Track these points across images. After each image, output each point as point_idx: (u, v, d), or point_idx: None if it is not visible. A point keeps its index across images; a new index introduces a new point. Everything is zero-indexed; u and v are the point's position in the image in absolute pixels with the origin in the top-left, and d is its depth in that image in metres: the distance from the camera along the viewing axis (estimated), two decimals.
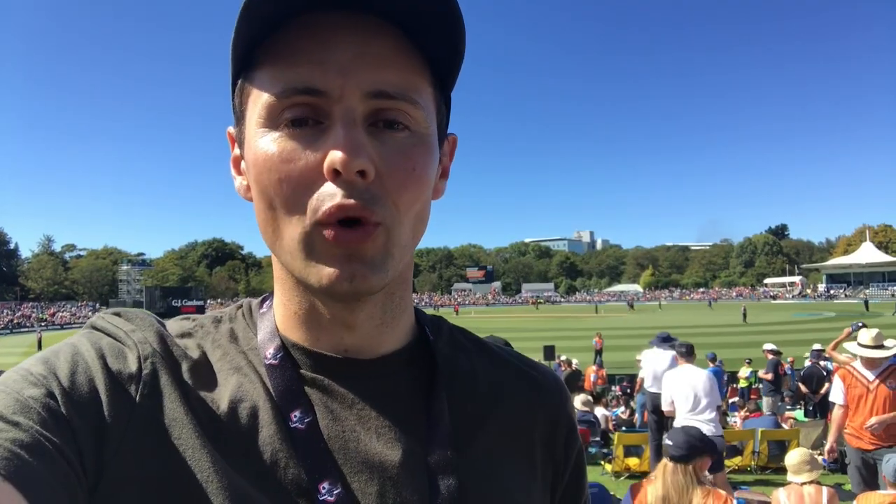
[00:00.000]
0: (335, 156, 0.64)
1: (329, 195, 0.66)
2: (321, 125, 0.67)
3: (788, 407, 13.20)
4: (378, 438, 0.74)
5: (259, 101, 0.69)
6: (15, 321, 71.48)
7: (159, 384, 0.69)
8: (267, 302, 0.85)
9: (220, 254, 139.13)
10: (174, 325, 0.80)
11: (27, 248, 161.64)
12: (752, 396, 14.02)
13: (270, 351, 0.77)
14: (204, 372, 0.74)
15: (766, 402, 12.91)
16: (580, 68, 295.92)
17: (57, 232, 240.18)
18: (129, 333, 0.73)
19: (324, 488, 0.68)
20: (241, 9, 0.64)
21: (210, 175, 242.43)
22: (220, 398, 0.71)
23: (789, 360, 16.99)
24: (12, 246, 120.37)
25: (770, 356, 13.48)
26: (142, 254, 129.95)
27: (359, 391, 0.76)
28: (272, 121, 0.68)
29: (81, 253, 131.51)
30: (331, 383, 0.76)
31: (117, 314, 0.77)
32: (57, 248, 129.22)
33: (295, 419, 0.72)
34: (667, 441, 4.60)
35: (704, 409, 7.51)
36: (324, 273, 0.68)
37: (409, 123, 0.70)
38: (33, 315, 77.50)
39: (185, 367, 0.72)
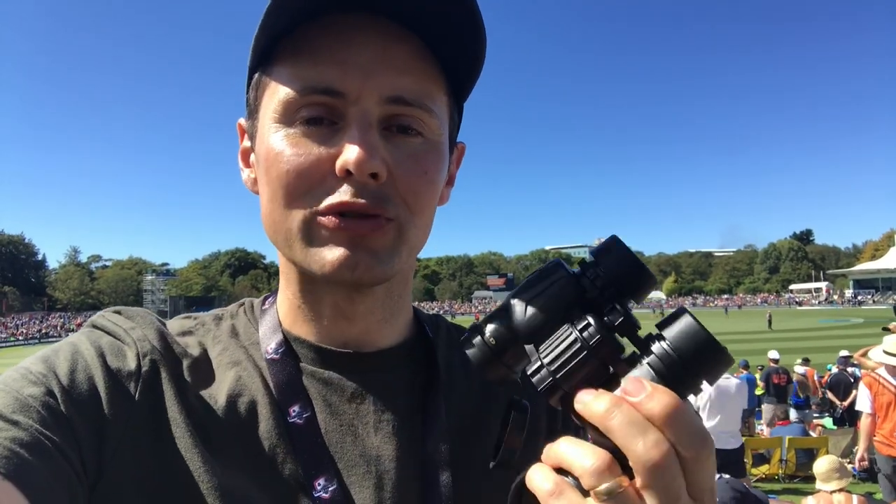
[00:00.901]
0: (349, 156, 0.65)
1: (337, 192, 0.67)
2: (336, 125, 0.68)
3: (816, 415, 13.00)
4: (376, 433, 0.75)
5: (276, 96, 0.69)
6: (43, 331, 72.68)
7: (158, 382, 0.69)
8: (269, 299, 0.85)
9: (243, 263, 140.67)
10: (175, 324, 0.80)
11: (54, 259, 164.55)
12: None
13: (272, 345, 0.77)
14: (203, 368, 0.74)
15: (765, 409, 12.77)
16: (601, 73, 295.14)
17: (83, 243, 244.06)
18: (129, 331, 0.73)
19: (319, 484, 0.68)
20: (269, 4, 0.65)
21: (233, 185, 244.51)
22: (219, 393, 0.72)
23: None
24: (40, 257, 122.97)
25: (772, 364, 13.34)
26: (166, 264, 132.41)
27: (358, 385, 0.77)
28: (288, 117, 0.68)
29: (107, 263, 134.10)
30: (331, 376, 0.76)
31: (118, 312, 0.77)
32: (83, 258, 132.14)
33: (293, 414, 0.72)
34: None
35: (728, 422, 7.44)
36: (326, 259, 0.68)
37: (422, 130, 0.71)
38: (63, 325, 78.77)
39: (184, 364, 0.72)
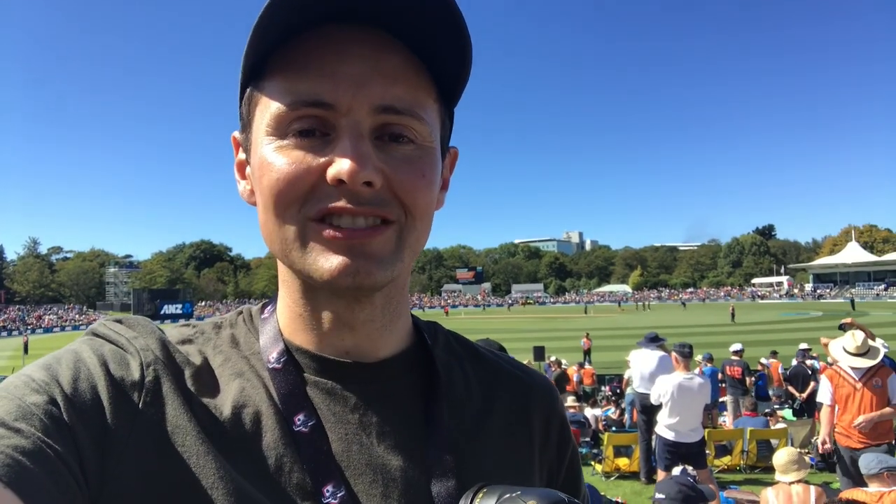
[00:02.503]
0: (342, 166, 0.65)
1: (329, 198, 0.68)
2: (327, 137, 0.68)
3: (776, 406, 13.26)
4: (380, 442, 0.75)
5: (268, 109, 0.70)
6: (1, 325, 70.66)
7: (162, 391, 0.69)
8: (269, 307, 0.85)
9: (209, 255, 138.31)
10: (174, 332, 0.80)
11: (12, 250, 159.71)
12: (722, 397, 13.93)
13: (274, 355, 0.77)
14: (206, 378, 0.74)
15: (729, 400, 12.99)
16: (568, 69, 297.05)
17: (43, 234, 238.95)
18: (132, 340, 0.73)
19: (328, 491, 0.69)
20: (256, 19, 0.65)
21: (198, 176, 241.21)
22: (223, 404, 0.71)
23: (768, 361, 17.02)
24: None
25: (733, 356, 13.51)
26: (129, 256, 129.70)
27: (361, 395, 0.77)
28: (280, 130, 0.69)
29: (68, 255, 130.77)
30: (334, 386, 0.76)
31: (119, 321, 0.77)
32: (43, 250, 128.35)
33: (298, 423, 0.72)
34: (658, 495, 4.64)
35: (690, 419, 7.52)
36: (326, 266, 0.68)
37: (413, 138, 0.71)
38: (22, 319, 76.64)
39: (187, 373, 0.72)
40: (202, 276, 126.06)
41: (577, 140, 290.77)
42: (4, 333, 66.51)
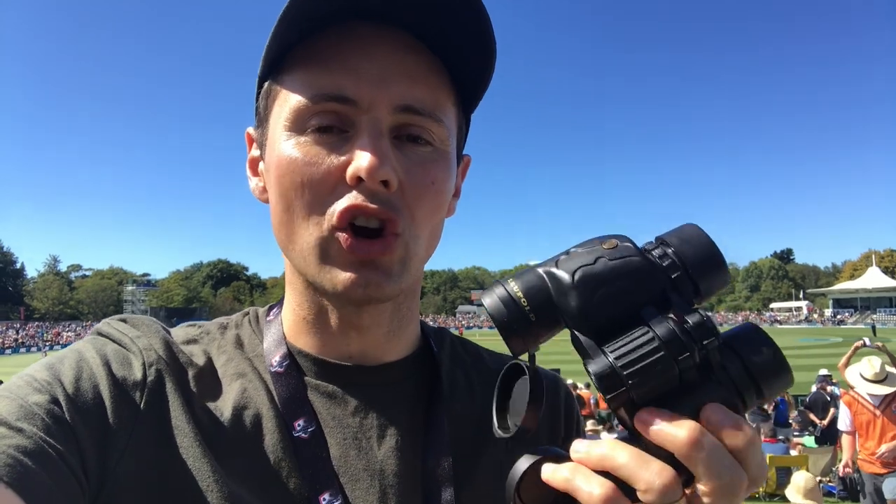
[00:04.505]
0: (360, 163, 0.65)
1: (349, 200, 0.67)
2: (346, 133, 0.68)
3: (796, 433, 13.09)
4: (379, 447, 0.75)
5: (287, 103, 0.69)
6: (20, 341, 71.48)
7: (164, 391, 0.69)
8: (274, 310, 0.85)
9: (225, 275, 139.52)
10: (180, 332, 0.81)
11: (33, 267, 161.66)
12: None
13: (276, 358, 0.77)
14: (208, 378, 0.74)
15: None
16: (584, 91, 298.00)
17: (63, 252, 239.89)
18: (135, 340, 0.73)
19: (324, 499, 0.69)
20: (281, 12, 0.65)
21: (216, 195, 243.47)
22: (224, 405, 0.72)
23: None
24: (18, 265, 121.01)
25: None
26: (147, 274, 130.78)
27: (362, 399, 0.77)
28: (299, 125, 0.69)
29: (87, 273, 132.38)
30: (335, 390, 0.77)
31: (123, 320, 0.78)
32: (63, 268, 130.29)
33: (298, 428, 0.72)
34: None
35: None
36: (339, 279, 0.69)
37: (431, 140, 0.71)
38: (40, 335, 77.47)
39: (190, 373, 0.73)
40: (219, 295, 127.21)
41: (590, 161, 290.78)
42: (23, 350, 67.11)
